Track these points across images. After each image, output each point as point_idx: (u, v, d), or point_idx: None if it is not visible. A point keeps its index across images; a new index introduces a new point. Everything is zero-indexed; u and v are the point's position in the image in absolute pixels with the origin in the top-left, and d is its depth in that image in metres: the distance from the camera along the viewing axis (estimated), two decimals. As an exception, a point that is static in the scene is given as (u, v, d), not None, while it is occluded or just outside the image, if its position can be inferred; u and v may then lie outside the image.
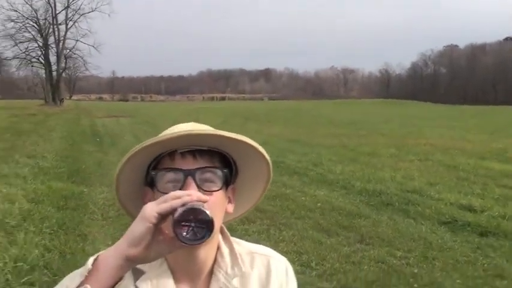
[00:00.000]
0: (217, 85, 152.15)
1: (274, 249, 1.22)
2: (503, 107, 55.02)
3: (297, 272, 1.13)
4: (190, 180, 1.00)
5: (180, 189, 0.99)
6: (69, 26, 59.43)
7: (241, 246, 1.18)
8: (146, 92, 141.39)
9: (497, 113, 41.43)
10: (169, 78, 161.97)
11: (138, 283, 1.05)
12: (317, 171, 10.40)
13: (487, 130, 22.66)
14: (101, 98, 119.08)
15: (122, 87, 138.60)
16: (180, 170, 1.02)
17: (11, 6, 55.47)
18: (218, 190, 1.04)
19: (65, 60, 61.06)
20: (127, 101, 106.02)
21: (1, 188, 7.34)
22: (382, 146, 15.15)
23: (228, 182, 1.08)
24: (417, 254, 5.28)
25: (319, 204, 7.46)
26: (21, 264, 4.34)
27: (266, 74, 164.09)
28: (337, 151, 13.98)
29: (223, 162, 1.07)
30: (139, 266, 1.02)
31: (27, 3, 57.21)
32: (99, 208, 7.05)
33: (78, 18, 59.32)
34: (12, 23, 56.33)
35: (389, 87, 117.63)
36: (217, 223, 1.06)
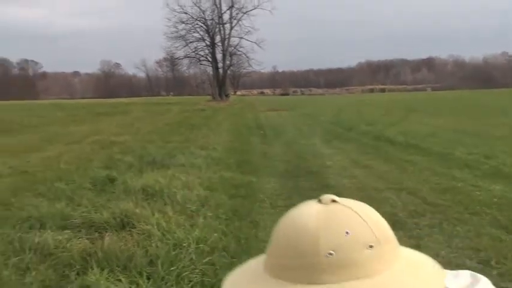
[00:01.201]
0: (377, 76, 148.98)
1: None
2: None
3: (475, 270, 0.92)
4: None
5: None
6: (233, 25, 62.86)
7: None
8: (306, 86, 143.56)
9: None
10: (328, 71, 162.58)
11: None
12: (490, 164, 9.65)
13: None
14: (262, 93, 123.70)
15: (282, 82, 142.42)
16: None
17: (182, 9, 60.23)
18: None
19: (230, 58, 64.59)
20: (287, 95, 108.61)
21: (181, 176, 7.98)
22: None
23: None
24: None
25: (495, 200, 6.93)
26: (202, 245, 4.68)
27: (429, 63, 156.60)
28: (513, 143, 12.84)
29: None
30: None
31: (195, 5, 61.77)
32: (267, 197, 7.34)
33: (242, 16, 62.43)
34: (183, 25, 61.23)
35: None
36: None
